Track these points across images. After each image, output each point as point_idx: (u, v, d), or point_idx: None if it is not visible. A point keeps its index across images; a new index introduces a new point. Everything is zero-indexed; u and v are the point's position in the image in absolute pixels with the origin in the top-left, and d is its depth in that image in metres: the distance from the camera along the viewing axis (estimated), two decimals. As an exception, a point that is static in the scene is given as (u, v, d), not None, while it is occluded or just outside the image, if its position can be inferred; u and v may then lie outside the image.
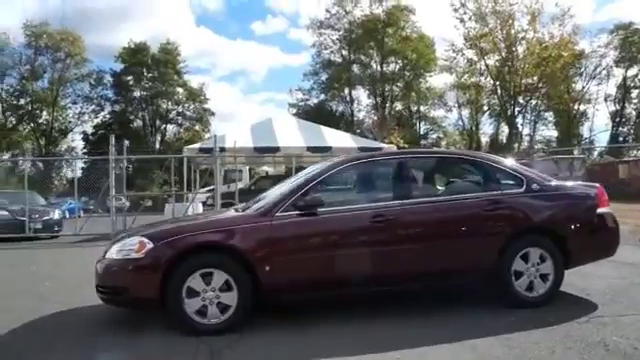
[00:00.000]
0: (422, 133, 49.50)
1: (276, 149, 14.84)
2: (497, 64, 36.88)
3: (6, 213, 12.32)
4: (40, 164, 37.95)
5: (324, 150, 14.69)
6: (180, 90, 50.88)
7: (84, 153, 45.16)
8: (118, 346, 3.84)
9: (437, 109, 47.86)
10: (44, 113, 44.01)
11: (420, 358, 3.42)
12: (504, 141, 42.48)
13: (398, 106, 46.88)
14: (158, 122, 52.29)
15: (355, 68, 46.63)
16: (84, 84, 46.56)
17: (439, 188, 4.80)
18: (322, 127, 17.14)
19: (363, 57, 45.76)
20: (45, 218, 12.76)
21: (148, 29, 71.61)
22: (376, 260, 4.25)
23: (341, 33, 46.38)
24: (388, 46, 44.05)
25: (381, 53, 44.58)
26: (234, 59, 73.29)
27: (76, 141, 47.60)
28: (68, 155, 43.30)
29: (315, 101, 49.20)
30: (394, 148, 15.32)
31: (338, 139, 15.72)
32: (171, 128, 53.30)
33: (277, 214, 4.21)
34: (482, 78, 39.39)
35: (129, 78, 48.64)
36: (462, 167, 4.91)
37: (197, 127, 52.18)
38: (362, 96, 47.84)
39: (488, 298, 4.58)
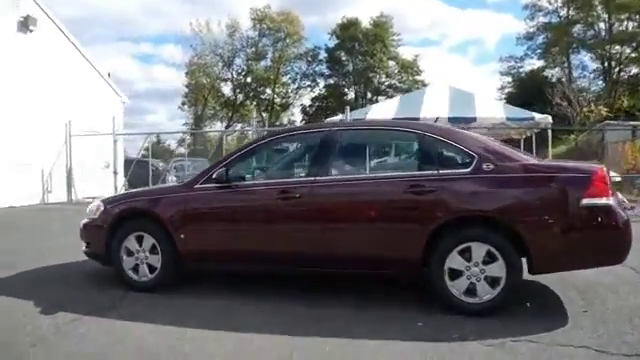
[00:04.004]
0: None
1: (415, 120, 14.25)
2: None
3: (175, 178, 14.84)
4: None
5: (467, 121, 13.57)
6: (391, 63, 51.49)
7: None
8: (51, 287, 4.61)
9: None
10: (267, 90, 49.87)
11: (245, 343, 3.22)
12: None
13: (633, 70, 38.87)
14: (369, 94, 54.27)
15: (576, 29, 40.20)
16: (301, 62, 50.88)
17: (365, 165, 4.16)
18: (477, 97, 15.66)
19: (586, 16, 39.01)
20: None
21: (378, 5, 72.96)
22: (280, 238, 4.01)
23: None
24: (618, 1, 36.57)
25: (608, 10, 37.35)
26: (465, 29, 68.81)
27: (295, 114, 52.64)
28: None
29: (528, 68, 44.35)
30: (549, 119, 12.97)
31: (487, 110, 14.19)
32: (382, 99, 54.61)
33: (196, 186, 4.32)
34: None
35: (342, 53, 51.32)
36: (400, 141, 4.13)
37: (408, 99, 52.10)
38: (586, 61, 41.11)
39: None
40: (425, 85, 51.17)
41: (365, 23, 50.25)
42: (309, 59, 51.91)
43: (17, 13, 12.93)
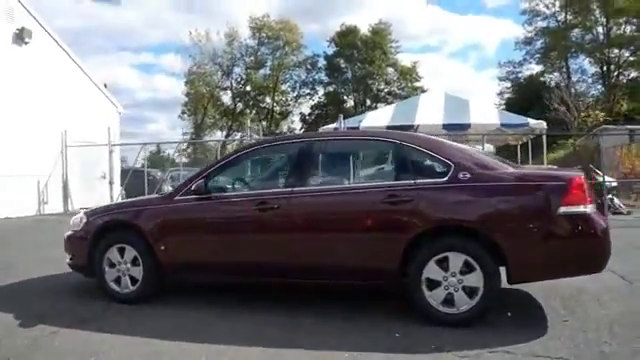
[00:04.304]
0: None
1: (409, 127, 14.22)
2: None
3: (171, 188, 14.81)
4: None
5: (462, 127, 13.59)
6: (390, 70, 51.48)
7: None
8: (35, 299, 4.60)
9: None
10: (266, 98, 49.90)
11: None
12: None
13: (632, 73, 38.81)
14: (368, 101, 54.23)
15: (574, 34, 40.24)
16: (300, 70, 50.92)
17: (343, 175, 4.16)
18: (472, 103, 15.67)
19: (584, 20, 39.05)
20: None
21: (378, 13, 72.82)
22: (259, 249, 4.01)
23: (558, -5, 40.35)
24: (615, 5, 36.64)
25: (605, 14, 37.41)
26: (465, 35, 68.31)
27: (295, 122, 52.61)
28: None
29: (527, 73, 44.37)
30: (544, 124, 12.96)
31: (482, 116, 14.17)
32: (381, 106, 54.43)
33: (176, 197, 4.32)
34: None
35: (341, 61, 51.35)
36: (378, 151, 4.14)
37: (407, 105, 51.87)
38: (585, 65, 41.12)
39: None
40: (424, 91, 51.14)
41: (364, 30, 50.18)
42: (308, 67, 51.87)
43: (12, 25, 13.00)
